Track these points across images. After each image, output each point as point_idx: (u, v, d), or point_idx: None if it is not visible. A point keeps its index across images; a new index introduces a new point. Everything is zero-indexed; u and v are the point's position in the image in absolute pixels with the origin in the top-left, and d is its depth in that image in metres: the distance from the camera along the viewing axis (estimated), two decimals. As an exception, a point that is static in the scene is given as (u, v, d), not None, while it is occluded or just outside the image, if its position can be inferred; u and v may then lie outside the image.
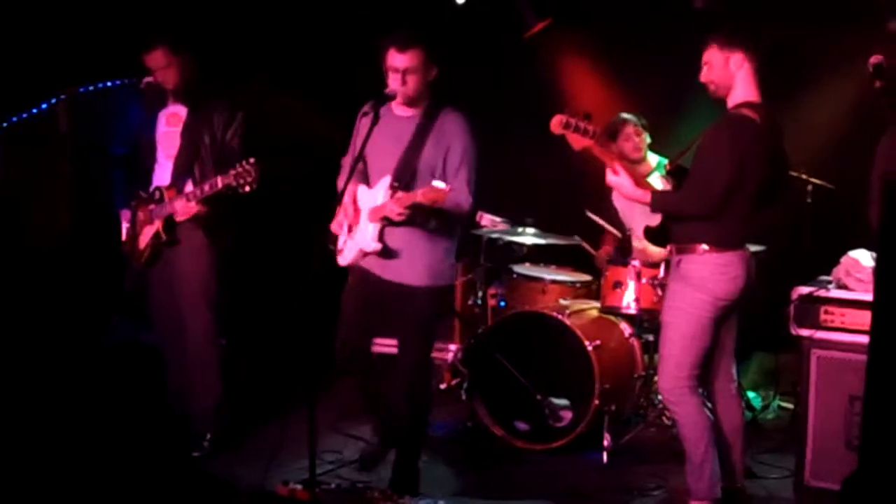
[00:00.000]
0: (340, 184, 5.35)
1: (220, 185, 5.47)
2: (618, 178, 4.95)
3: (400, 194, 4.99)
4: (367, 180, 5.27)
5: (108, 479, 5.08)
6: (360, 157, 4.99)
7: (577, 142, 4.91)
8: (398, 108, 5.19)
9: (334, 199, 5.30)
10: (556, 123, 4.90)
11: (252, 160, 5.35)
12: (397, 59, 5.04)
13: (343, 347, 5.43)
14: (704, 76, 5.00)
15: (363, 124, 5.09)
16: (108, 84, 5.81)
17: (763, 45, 4.94)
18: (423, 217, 5.05)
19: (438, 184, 4.85)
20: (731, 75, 4.92)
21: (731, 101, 4.94)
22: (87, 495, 4.97)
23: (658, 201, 4.92)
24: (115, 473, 5.17)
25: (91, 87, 5.75)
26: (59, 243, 6.86)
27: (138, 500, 4.95)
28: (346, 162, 5.41)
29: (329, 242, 5.32)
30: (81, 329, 6.82)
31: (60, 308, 6.81)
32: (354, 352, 5.44)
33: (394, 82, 5.06)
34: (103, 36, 6.78)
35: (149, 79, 5.85)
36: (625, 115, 6.93)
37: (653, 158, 6.86)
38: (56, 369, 6.40)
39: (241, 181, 5.35)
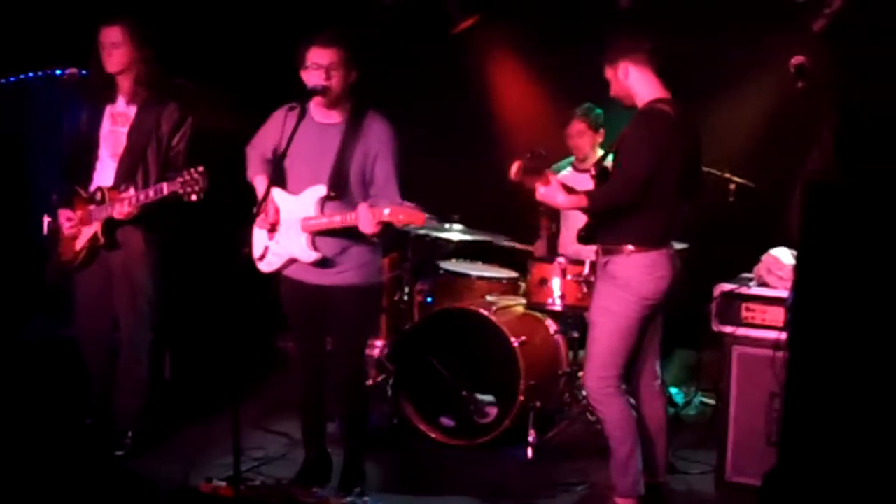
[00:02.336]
0: (252, 176, 5.28)
1: (165, 191, 5.34)
2: (548, 190, 4.95)
3: (366, 207, 4.89)
4: (280, 182, 5.17)
5: (28, 478, 5.00)
6: (284, 156, 4.91)
7: (531, 182, 4.96)
8: (320, 114, 5.09)
9: (249, 195, 5.25)
10: (515, 172, 4.95)
11: (201, 168, 5.21)
12: (320, 55, 4.99)
13: (308, 358, 5.40)
14: (611, 92, 5.17)
15: (289, 120, 5.03)
16: (30, 76, 5.68)
17: (646, 47, 5.02)
18: (381, 234, 5.01)
19: (411, 207, 4.83)
20: (625, 85, 5.06)
21: (642, 103, 5.04)
22: (5, 494, 4.89)
23: (591, 201, 4.95)
24: (35, 472, 5.08)
25: (12, 79, 5.62)
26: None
27: (59, 500, 4.87)
28: (254, 153, 5.32)
29: (244, 246, 5.21)
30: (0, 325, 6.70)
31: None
32: (319, 358, 5.40)
33: (317, 78, 4.98)
34: (22, 27, 6.66)
35: (72, 70, 5.72)
36: (578, 110, 6.90)
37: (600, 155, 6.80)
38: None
39: (189, 189, 5.21)
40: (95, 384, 5.90)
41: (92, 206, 5.66)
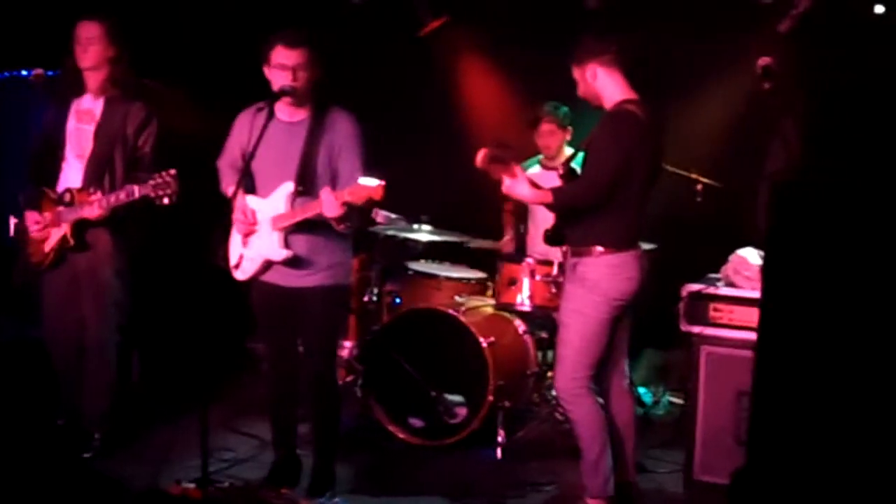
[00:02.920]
0: (226, 188, 5.26)
1: (136, 194, 5.31)
2: (514, 183, 4.97)
3: (329, 191, 4.89)
4: (251, 187, 5.16)
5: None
6: (252, 157, 4.90)
7: (498, 172, 4.96)
8: (284, 113, 5.09)
9: (217, 196, 5.24)
10: (482, 159, 4.94)
11: (173, 172, 5.20)
12: (286, 56, 4.98)
13: (279, 359, 5.39)
14: (579, 93, 5.18)
15: (256, 120, 5.02)
16: (-4, 76, 5.64)
17: (613, 48, 5.05)
18: (347, 216, 5.00)
19: (367, 180, 4.81)
20: (592, 86, 5.08)
21: (609, 104, 5.05)
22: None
23: (556, 197, 4.96)
24: (4, 472, 5.05)
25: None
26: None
27: (27, 501, 4.84)
28: (223, 164, 5.34)
29: (218, 259, 5.21)
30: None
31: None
32: (290, 359, 5.38)
33: (283, 79, 4.97)
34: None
35: (38, 71, 5.68)
36: (546, 109, 6.91)
37: (569, 154, 6.79)
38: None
39: (161, 192, 5.20)
40: (64, 386, 5.86)
41: (61, 208, 5.61)
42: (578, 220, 5.00)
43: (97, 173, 5.60)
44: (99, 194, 5.51)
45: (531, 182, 5.00)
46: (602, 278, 4.96)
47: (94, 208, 5.48)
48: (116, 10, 5.79)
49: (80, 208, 5.54)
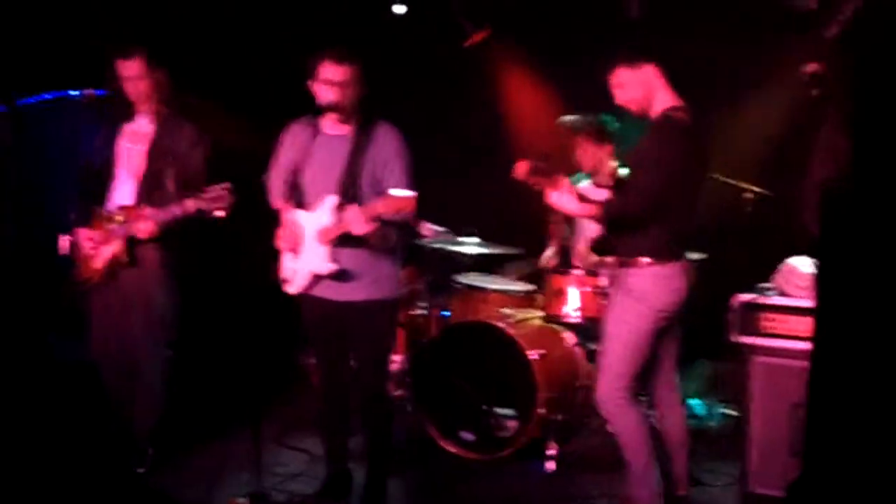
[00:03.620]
0: (275, 203, 5.31)
1: (192, 208, 5.36)
2: (559, 196, 4.94)
3: (356, 207, 4.92)
4: (300, 202, 5.19)
5: (51, 497, 5.01)
6: (298, 172, 4.92)
7: (541, 184, 4.93)
8: (330, 127, 5.13)
9: (265, 210, 5.26)
10: (522, 171, 4.92)
11: (227, 185, 5.26)
12: (333, 72, 5.01)
13: (330, 373, 5.40)
14: (620, 98, 5.07)
15: (300, 135, 5.05)
16: (48, 97, 5.70)
17: (668, 54, 5.01)
18: (382, 230, 5.00)
19: (399, 192, 4.82)
20: (647, 88, 5.00)
21: (655, 112, 4.99)
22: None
23: (604, 210, 4.93)
24: (58, 490, 5.09)
25: (31, 100, 5.63)
26: (4, 257, 6.74)
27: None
28: (272, 180, 5.36)
29: (274, 274, 5.24)
30: (22, 343, 6.71)
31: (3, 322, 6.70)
32: (342, 373, 5.39)
33: (329, 95, 5.00)
34: (46, 48, 6.69)
35: (88, 91, 5.74)
36: (578, 125, 6.69)
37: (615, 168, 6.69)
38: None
39: (215, 206, 5.25)
40: (115, 402, 5.90)
41: (113, 226, 5.66)
42: (626, 230, 4.97)
43: (149, 190, 5.65)
44: (151, 211, 5.55)
45: (578, 194, 4.96)
46: (648, 289, 4.94)
47: (146, 224, 5.52)
48: (162, 27, 5.85)
49: (131, 225, 5.58)
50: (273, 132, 5.39)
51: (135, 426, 5.84)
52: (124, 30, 6.04)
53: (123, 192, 5.72)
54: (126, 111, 5.77)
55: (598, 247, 5.16)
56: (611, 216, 4.96)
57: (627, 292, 4.99)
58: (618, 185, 5.07)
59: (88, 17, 6.80)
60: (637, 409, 5.06)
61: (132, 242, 5.64)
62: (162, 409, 5.85)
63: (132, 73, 5.65)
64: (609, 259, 5.25)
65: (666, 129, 4.90)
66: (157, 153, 5.70)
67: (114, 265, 5.70)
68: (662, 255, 4.93)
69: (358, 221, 4.88)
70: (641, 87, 5.00)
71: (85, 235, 5.76)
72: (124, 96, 5.71)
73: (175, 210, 5.46)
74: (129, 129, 5.78)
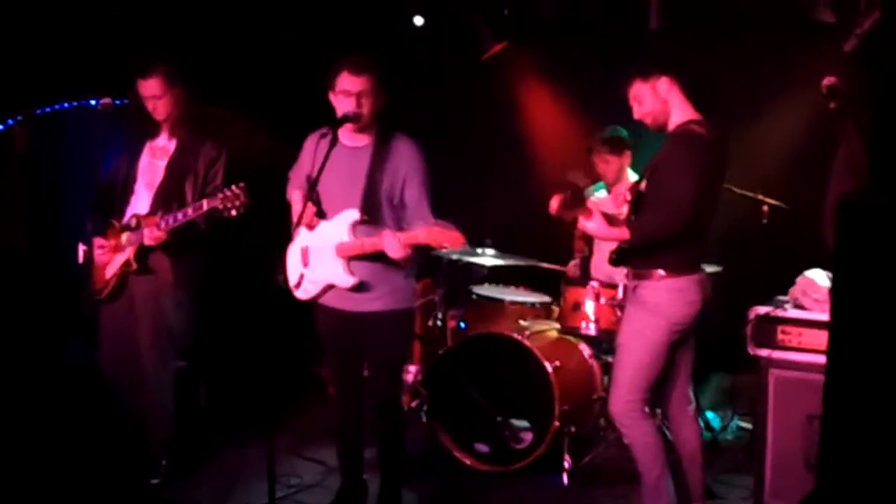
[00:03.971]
0: (292, 196, 5.32)
1: (205, 207, 5.35)
2: (591, 223, 4.92)
3: (395, 234, 4.89)
4: (318, 211, 5.16)
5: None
6: (316, 182, 4.92)
7: (573, 215, 4.92)
8: (348, 138, 5.10)
9: (282, 220, 5.26)
10: (556, 207, 4.88)
11: (242, 184, 5.25)
12: (351, 82, 5.00)
13: (345, 384, 5.39)
14: (638, 113, 5.06)
15: (321, 145, 5.05)
16: (66, 106, 5.73)
17: (685, 66, 4.99)
18: (414, 254, 4.99)
19: (446, 228, 4.78)
20: (663, 101, 4.97)
21: (673, 125, 4.97)
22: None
23: (634, 234, 4.88)
24: (72, 500, 5.10)
25: (48, 109, 5.66)
26: (16, 265, 6.77)
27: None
28: (295, 176, 5.37)
29: (278, 273, 5.22)
30: (37, 351, 6.74)
31: (16, 329, 6.73)
32: (356, 384, 5.39)
33: (348, 105, 4.99)
34: (61, 56, 6.73)
35: (106, 100, 5.76)
36: (597, 138, 6.71)
37: (633, 177, 6.67)
38: (10, 391, 6.31)
39: (229, 205, 5.23)
40: (126, 412, 5.91)
41: (126, 234, 5.69)
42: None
43: (165, 201, 5.67)
44: (160, 218, 5.58)
45: (606, 217, 4.93)
46: (663, 302, 4.92)
47: (155, 231, 5.54)
48: (180, 38, 5.88)
49: (141, 232, 5.62)
50: (292, 143, 5.40)
51: (148, 437, 5.85)
52: (146, 40, 6.06)
53: (140, 203, 5.76)
54: (149, 128, 5.81)
55: (617, 258, 5.12)
56: (641, 240, 4.90)
57: (642, 305, 4.97)
58: (637, 201, 5.02)
59: (108, 25, 6.83)
60: (651, 421, 5.04)
61: (144, 251, 5.66)
62: (173, 419, 5.85)
63: (152, 92, 5.68)
64: (624, 270, 5.24)
65: (686, 144, 4.85)
66: (176, 169, 5.74)
67: (124, 273, 5.73)
68: (677, 267, 4.90)
69: (393, 247, 4.86)
70: (657, 101, 4.97)
71: (98, 244, 5.81)
72: (146, 113, 5.74)
73: (188, 211, 5.46)
74: (151, 145, 5.83)
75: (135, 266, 5.67)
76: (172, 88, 5.71)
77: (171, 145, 5.79)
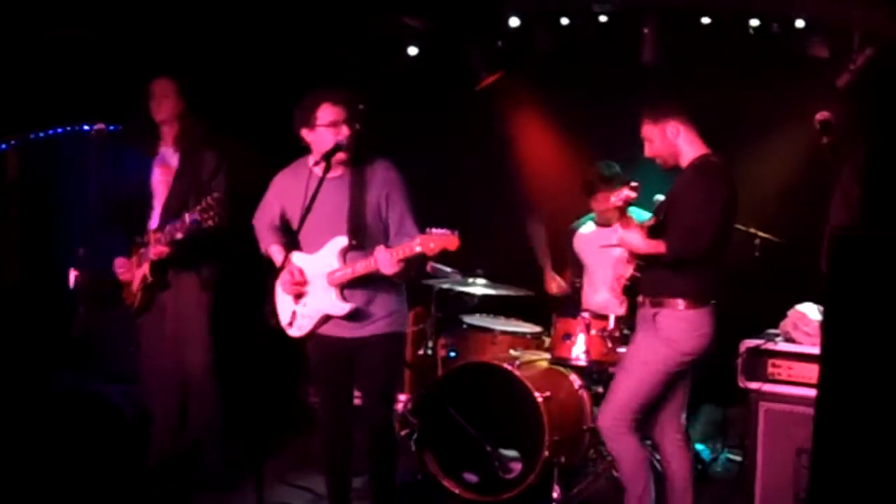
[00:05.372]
0: (266, 248, 5.35)
1: (187, 220, 5.45)
2: (627, 233, 4.96)
3: (385, 249, 4.91)
4: (297, 245, 5.16)
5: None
6: (306, 216, 4.88)
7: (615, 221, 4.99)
8: (323, 170, 5.03)
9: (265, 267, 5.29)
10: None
11: (216, 195, 5.38)
12: (334, 112, 5.04)
13: (334, 412, 5.37)
14: (649, 151, 5.14)
15: (300, 180, 5.03)
16: (59, 131, 5.76)
17: (691, 106, 5.03)
18: (405, 271, 5.01)
19: (439, 231, 4.81)
20: (672, 143, 5.06)
21: (687, 161, 5.03)
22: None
23: (670, 248, 4.88)
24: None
25: (41, 134, 5.69)
26: (8, 290, 6.78)
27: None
28: (261, 224, 5.40)
29: (269, 316, 5.23)
30: (28, 376, 6.73)
31: (7, 355, 6.72)
32: (345, 412, 5.38)
33: (336, 134, 5.02)
34: (54, 82, 6.75)
35: (99, 126, 5.82)
36: (601, 175, 6.59)
37: (634, 214, 6.66)
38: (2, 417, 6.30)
39: (205, 216, 5.33)
40: (158, 428, 5.99)
41: (143, 250, 5.85)
42: (665, 271, 4.94)
43: (171, 215, 5.78)
44: (160, 234, 5.72)
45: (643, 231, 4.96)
46: (679, 333, 4.93)
47: (157, 246, 5.69)
48: (175, 67, 5.95)
49: (150, 248, 5.77)
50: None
51: (202, 443, 5.99)
52: (139, 67, 6.10)
53: (155, 221, 5.91)
54: (154, 141, 5.96)
55: (628, 285, 5.13)
56: (676, 256, 4.90)
57: (654, 332, 4.98)
58: (657, 228, 5.02)
59: (102, 52, 6.86)
60: (636, 437, 5.06)
61: (158, 265, 5.80)
62: (219, 420, 6.01)
63: (161, 89, 5.89)
64: (639, 298, 5.22)
65: (707, 173, 4.93)
66: (180, 181, 5.88)
67: (145, 287, 5.88)
68: (697, 298, 4.93)
69: (387, 262, 4.88)
70: (666, 143, 5.07)
71: (118, 263, 5.98)
72: (152, 123, 5.90)
73: (176, 225, 5.57)
74: (159, 162, 5.97)
75: (151, 279, 5.82)
76: (179, 95, 5.90)
77: (175, 159, 5.94)
